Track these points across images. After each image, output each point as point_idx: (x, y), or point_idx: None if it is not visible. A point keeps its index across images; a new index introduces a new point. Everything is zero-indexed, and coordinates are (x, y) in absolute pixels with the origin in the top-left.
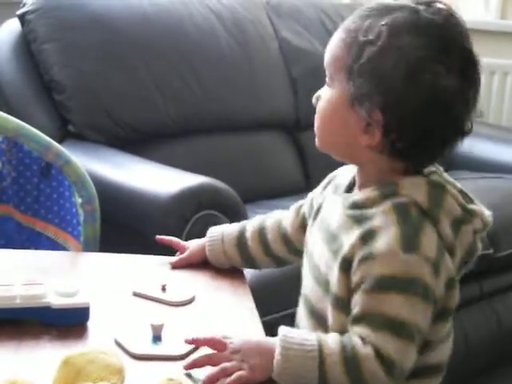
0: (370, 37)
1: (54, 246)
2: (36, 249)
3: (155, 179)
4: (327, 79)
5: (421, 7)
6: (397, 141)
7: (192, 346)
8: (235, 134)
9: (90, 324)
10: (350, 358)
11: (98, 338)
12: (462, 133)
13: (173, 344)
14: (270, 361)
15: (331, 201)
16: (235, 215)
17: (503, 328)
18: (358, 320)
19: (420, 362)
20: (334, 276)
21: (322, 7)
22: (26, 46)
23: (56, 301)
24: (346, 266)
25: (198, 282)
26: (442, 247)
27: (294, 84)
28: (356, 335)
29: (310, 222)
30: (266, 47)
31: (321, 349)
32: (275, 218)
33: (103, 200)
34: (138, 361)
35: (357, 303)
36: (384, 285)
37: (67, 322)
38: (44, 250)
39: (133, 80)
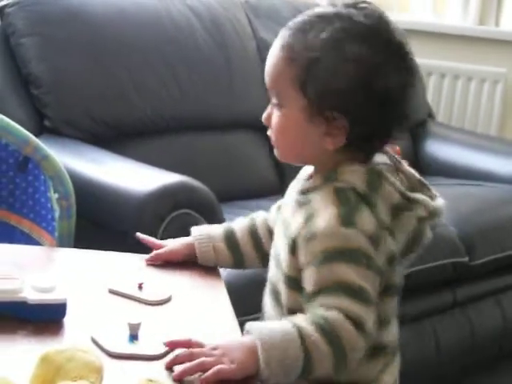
0: (315, 53)
1: (29, 240)
2: (10, 243)
3: (131, 177)
4: (274, 99)
5: (354, 11)
6: (358, 138)
7: None
8: (212, 132)
9: (66, 320)
10: (324, 326)
11: (75, 335)
12: (407, 119)
13: (150, 343)
14: (249, 356)
15: (289, 193)
16: (211, 215)
17: (476, 336)
18: (315, 294)
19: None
20: (284, 257)
21: (300, 7)
22: (5, 39)
23: (32, 296)
24: (292, 246)
25: (174, 281)
26: (379, 227)
27: None
28: (317, 307)
29: None
30: (243, 46)
31: (298, 328)
32: (261, 216)
33: (78, 196)
34: (115, 359)
35: (309, 280)
36: (330, 257)
37: (43, 318)
38: (18, 244)
39: (110, 76)
